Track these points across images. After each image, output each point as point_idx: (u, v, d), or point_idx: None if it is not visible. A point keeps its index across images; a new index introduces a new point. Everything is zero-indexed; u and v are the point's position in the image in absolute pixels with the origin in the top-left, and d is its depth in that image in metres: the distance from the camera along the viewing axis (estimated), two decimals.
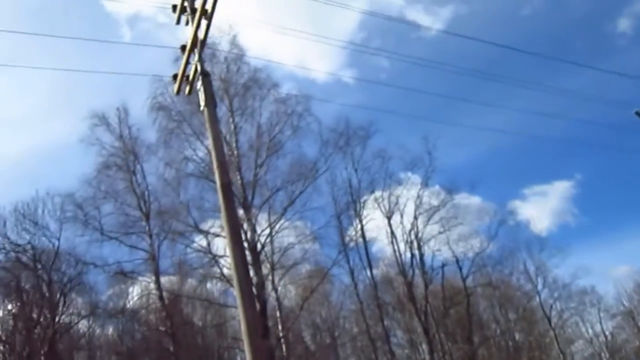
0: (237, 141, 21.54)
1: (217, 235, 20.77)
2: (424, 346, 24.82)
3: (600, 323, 51.16)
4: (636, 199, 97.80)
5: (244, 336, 7.79)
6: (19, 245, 24.26)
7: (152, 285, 24.45)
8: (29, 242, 24.41)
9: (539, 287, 39.11)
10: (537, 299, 38.71)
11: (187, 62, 9.74)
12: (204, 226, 21.57)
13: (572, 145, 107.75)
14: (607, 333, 51.73)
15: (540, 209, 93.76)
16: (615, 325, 53.67)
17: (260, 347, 8.46)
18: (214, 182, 20.37)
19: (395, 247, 25.90)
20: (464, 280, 28.15)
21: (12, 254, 24.31)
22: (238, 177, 20.74)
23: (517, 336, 38.25)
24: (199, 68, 9.46)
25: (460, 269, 28.15)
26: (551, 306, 40.44)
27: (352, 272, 27.55)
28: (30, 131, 51.68)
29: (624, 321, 57.17)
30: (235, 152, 21.12)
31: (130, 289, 26.91)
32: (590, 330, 50.80)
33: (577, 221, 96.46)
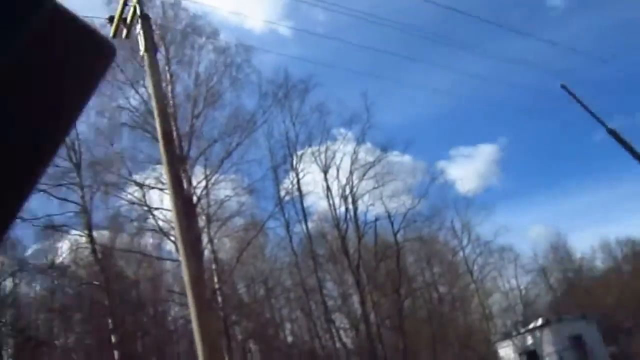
0: (173, 90, 20.92)
1: (153, 188, 20.39)
2: (355, 297, 25.89)
3: (516, 278, 55.08)
4: (554, 165, 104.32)
5: (188, 286, 7.87)
6: None
7: (84, 239, 23.74)
8: None
9: (464, 243, 41.43)
10: (462, 255, 41.09)
11: (125, 4, 9.33)
12: (139, 178, 21.10)
13: (501, 110, 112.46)
14: (521, 288, 55.87)
15: (467, 169, 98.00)
16: (529, 280, 58.05)
17: (204, 297, 8.61)
18: (149, 132, 19.92)
19: (331, 201, 26.50)
20: (395, 235, 29.28)
21: None
22: (174, 128, 20.26)
23: (441, 289, 40.49)
24: (138, 10, 9.08)
25: (392, 224, 29.21)
26: (474, 261, 43.03)
27: (287, 225, 27.94)
28: None
29: (538, 277, 61.97)
30: (171, 102, 20.53)
31: (60, 244, 25.99)
32: (507, 285, 54.63)
33: (501, 183, 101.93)
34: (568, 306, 48.78)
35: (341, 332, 27.06)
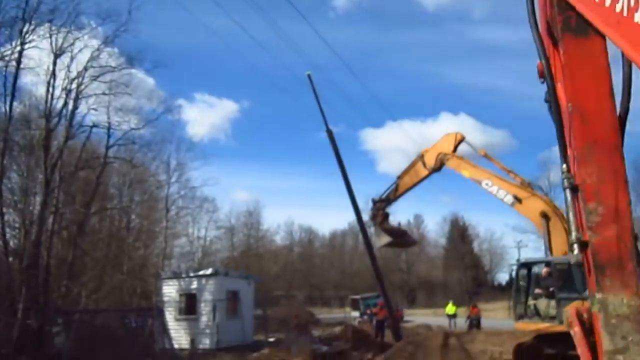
0: None
1: None
2: (39, 198, 23.57)
3: (206, 230, 58.46)
4: (278, 143, 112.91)
5: None
6: None
7: None
8: None
9: (172, 180, 41.91)
10: (165, 191, 41.47)
11: None
12: None
13: (257, 76, 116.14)
14: (208, 239, 59.58)
15: (203, 116, 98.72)
16: (216, 235, 62.34)
17: None
18: None
19: (50, 89, 23.45)
20: (107, 148, 27.73)
21: None
22: None
23: (133, 216, 40.15)
24: None
25: (109, 137, 27.58)
26: (174, 201, 43.92)
27: None
28: None
29: (225, 235, 67.08)
30: None
31: None
32: (196, 232, 57.54)
33: (228, 141, 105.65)
34: (240, 265, 53.96)
35: (8, 229, 24.27)
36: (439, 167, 16.99)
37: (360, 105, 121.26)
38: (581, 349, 2.46)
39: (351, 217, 19.57)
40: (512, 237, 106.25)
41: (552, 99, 2.55)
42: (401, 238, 19.55)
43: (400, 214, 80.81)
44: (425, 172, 17.34)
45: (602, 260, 2.30)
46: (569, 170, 2.48)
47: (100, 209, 31.71)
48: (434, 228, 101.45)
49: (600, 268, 2.30)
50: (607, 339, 2.26)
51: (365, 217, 22.43)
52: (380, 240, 18.36)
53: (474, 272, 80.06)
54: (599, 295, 2.30)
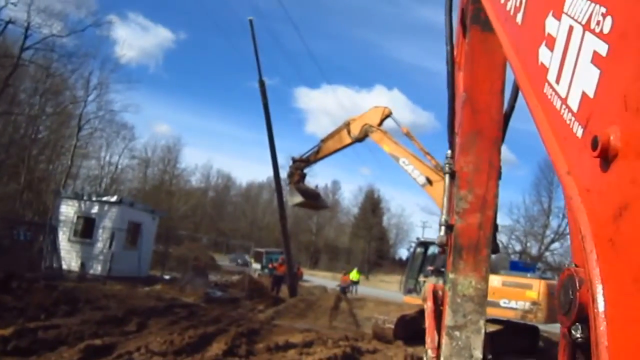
0: None
1: None
2: None
3: (120, 157, 56.23)
4: (205, 81, 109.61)
5: None
6: None
7: None
8: None
9: (90, 98, 39.47)
10: (81, 109, 39.04)
11: None
12: None
13: (198, 7, 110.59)
14: (120, 167, 57.44)
15: (136, 39, 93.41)
16: (129, 164, 60.32)
17: None
18: None
19: None
20: (22, 49, 25.56)
21: None
22: None
23: (41, 128, 37.72)
24: None
25: (26, 37, 25.44)
26: (89, 120, 41.52)
27: None
28: None
29: (139, 166, 65.12)
30: None
31: None
32: (108, 158, 55.16)
33: (157, 71, 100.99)
34: (149, 199, 52.64)
35: None
36: (362, 137, 17.24)
37: (298, 62, 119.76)
38: (428, 321, 2.63)
39: (271, 171, 19.81)
40: (420, 216, 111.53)
41: (449, 86, 2.64)
42: (314, 200, 19.79)
43: (319, 178, 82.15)
44: (348, 140, 17.54)
45: (461, 243, 2.45)
46: (452, 157, 2.59)
47: (5, 111, 29.47)
48: (349, 196, 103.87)
49: (458, 251, 2.45)
50: (450, 316, 2.43)
51: (284, 174, 22.51)
52: (293, 199, 18.51)
53: (378, 244, 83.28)
54: (451, 275, 2.46)
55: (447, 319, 2.43)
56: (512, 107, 2.50)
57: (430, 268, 16.28)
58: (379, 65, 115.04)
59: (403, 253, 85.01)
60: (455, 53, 2.68)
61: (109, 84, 41.12)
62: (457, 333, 2.40)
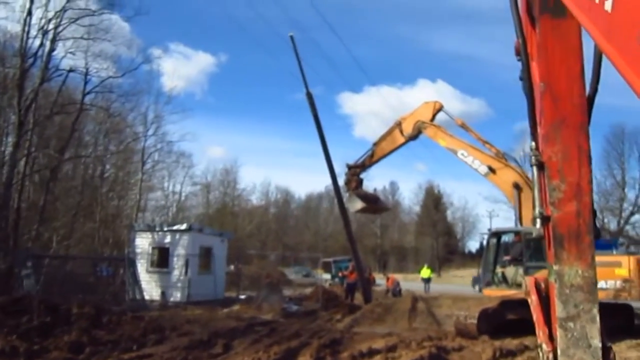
0: None
1: None
2: (11, 139, 23.06)
3: (182, 185, 58.14)
4: (254, 100, 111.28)
5: None
6: None
7: None
8: None
9: (149, 133, 41.14)
10: (142, 143, 40.76)
11: None
12: None
13: (236, 30, 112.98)
14: (183, 194, 59.37)
15: (179, 68, 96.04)
16: (192, 191, 62.19)
17: None
18: None
19: (26, 28, 22.64)
20: (84, 94, 27.06)
21: None
22: None
23: (107, 166, 39.62)
24: None
25: (86, 83, 26.89)
26: (150, 154, 43.26)
27: None
28: None
29: (201, 192, 66.96)
30: None
31: None
32: (171, 187, 57.20)
33: (204, 95, 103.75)
34: (215, 222, 54.07)
35: None
36: (416, 135, 17.06)
37: (340, 68, 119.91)
38: (536, 315, 2.60)
39: (328, 180, 19.88)
40: (485, 206, 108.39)
41: (525, 78, 2.61)
42: (374, 204, 19.71)
43: (376, 181, 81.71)
44: (402, 140, 17.40)
45: (561, 233, 2.42)
46: (537, 148, 2.56)
47: (74, 155, 31.21)
48: (409, 195, 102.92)
49: (559, 241, 2.42)
50: (561, 307, 2.40)
51: (341, 181, 22.57)
52: (354, 205, 18.51)
53: (446, 239, 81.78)
54: (556, 267, 2.43)
55: (558, 311, 2.40)
56: (594, 90, 2.45)
57: (506, 257, 15.82)
58: (418, 59, 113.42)
59: (473, 246, 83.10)
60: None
61: (165, 116, 42.80)
62: (570, 324, 2.36)
